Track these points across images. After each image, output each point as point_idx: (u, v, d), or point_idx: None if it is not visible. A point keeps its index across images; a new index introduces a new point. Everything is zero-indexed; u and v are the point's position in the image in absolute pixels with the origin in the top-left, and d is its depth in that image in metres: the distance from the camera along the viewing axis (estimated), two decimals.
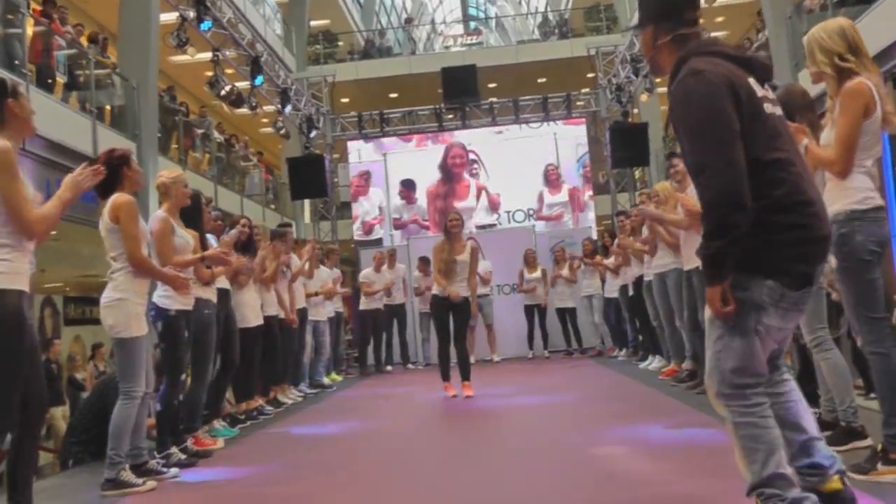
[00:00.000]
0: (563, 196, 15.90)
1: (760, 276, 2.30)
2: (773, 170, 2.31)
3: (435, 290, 7.34)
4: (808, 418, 2.46)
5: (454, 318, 7.24)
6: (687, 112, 2.33)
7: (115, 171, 4.12)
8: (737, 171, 2.23)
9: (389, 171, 16.30)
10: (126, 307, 4.07)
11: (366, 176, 16.23)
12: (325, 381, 9.24)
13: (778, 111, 2.44)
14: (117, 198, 4.10)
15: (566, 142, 16.09)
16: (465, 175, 16.24)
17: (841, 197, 3.17)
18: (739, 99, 2.30)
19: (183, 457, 4.69)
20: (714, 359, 2.38)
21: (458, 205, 15.72)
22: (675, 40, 2.47)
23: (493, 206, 15.99)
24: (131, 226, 4.04)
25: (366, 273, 10.86)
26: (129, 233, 4.04)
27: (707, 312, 2.40)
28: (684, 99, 2.34)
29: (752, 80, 2.38)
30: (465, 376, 7.20)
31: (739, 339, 2.32)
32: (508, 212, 15.92)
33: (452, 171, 16.25)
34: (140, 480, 4.08)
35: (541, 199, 15.95)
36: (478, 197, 16.12)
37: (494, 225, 15.64)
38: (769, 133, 2.34)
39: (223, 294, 5.69)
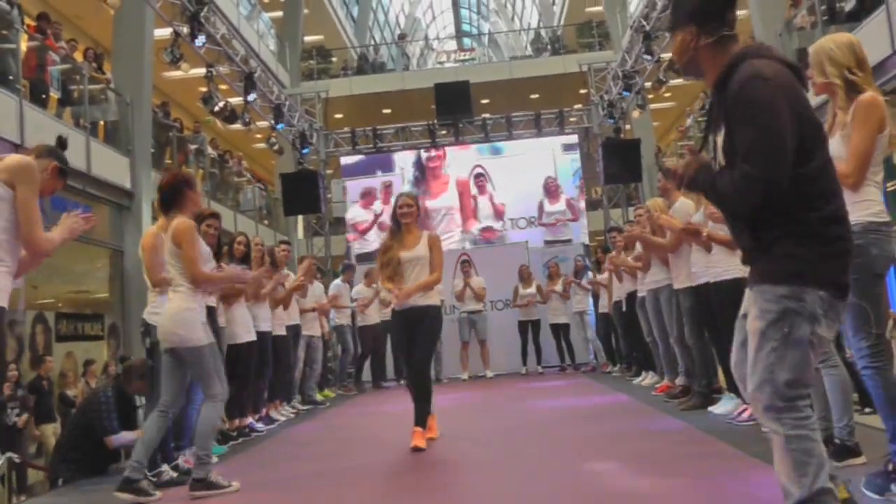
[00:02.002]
0: (561, 205, 16.23)
1: (814, 287, 2.29)
2: (826, 182, 2.34)
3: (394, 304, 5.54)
4: None
5: (415, 337, 5.34)
6: (751, 117, 2.30)
7: (178, 191, 4.37)
8: (778, 179, 2.25)
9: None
10: (195, 317, 4.26)
11: (388, 186, 16.34)
12: (318, 397, 9.19)
13: None
14: (179, 223, 4.29)
15: (564, 155, 16.35)
16: (444, 172, 16.41)
17: (856, 209, 3.09)
18: (801, 113, 2.31)
19: (174, 475, 4.65)
20: (766, 371, 2.33)
21: (432, 203, 15.92)
22: (719, 41, 2.45)
23: (499, 215, 16.21)
24: (191, 249, 4.25)
25: (358, 289, 10.82)
26: (189, 256, 4.25)
27: (755, 324, 2.37)
28: (752, 100, 2.30)
29: (807, 95, 2.41)
30: (419, 419, 5.30)
31: (796, 351, 2.30)
32: (512, 219, 16.12)
33: (428, 168, 16.50)
34: (227, 482, 4.27)
35: (541, 207, 16.22)
36: (463, 197, 16.23)
37: (499, 231, 15.81)
38: (822, 148, 2.37)
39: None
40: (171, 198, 4.37)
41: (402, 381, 11.16)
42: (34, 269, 3.59)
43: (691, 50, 2.49)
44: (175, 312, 4.25)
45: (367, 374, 11.32)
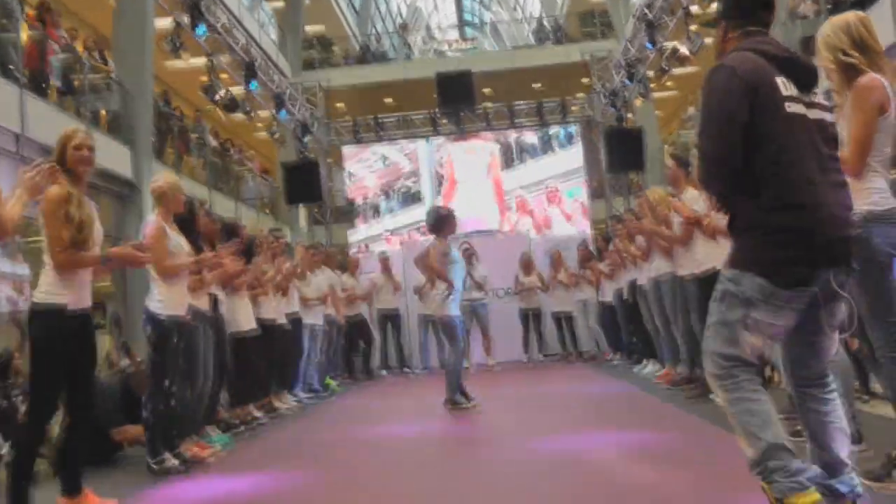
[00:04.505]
0: None
1: (752, 273, 2.41)
2: (774, 169, 2.39)
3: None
4: (840, 442, 2.47)
5: None
6: (706, 100, 2.54)
7: (444, 221, 6.74)
8: (725, 157, 2.44)
9: None
10: (448, 301, 6.68)
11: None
12: (319, 386, 9.19)
13: (812, 113, 2.47)
14: (439, 242, 6.68)
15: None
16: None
17: (858, 198, 3.01)
18: (754, 96, 2.41)
19: (176, 463, 4.66)
20: (706, 342, 2.54)
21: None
22: (744, 36, 2.58)
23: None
24: (442, 261, 6.63)
25: (345, 280, 10.84)
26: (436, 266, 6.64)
27: (710, 306, 2.54)
28: (707, 88, 2.54)
29: (780, 79, 2.44)
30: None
31: (726, 329, 2.46)
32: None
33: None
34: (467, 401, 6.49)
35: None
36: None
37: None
38: (784, 132, 2.41)
39: (213, 301, 5.64)
40: (441, 224, 6.70)
41: (406, 370, 11.32)
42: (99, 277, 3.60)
43: (721, 43, 2.68)
44: (439, 297, 6.69)
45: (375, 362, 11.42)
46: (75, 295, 3.65)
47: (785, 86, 2.43)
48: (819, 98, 2.52)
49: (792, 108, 2.42)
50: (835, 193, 2.44)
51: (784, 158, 2.39)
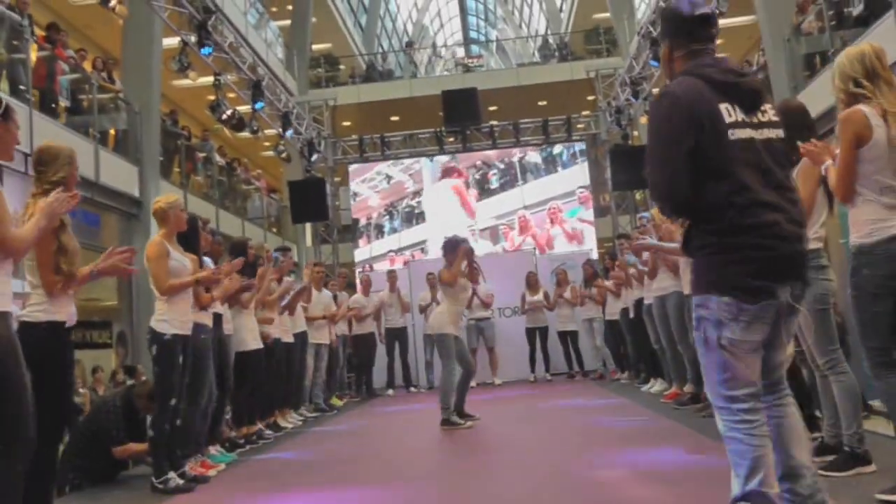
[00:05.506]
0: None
1: (717, 294, 2.44)
2: (724, 194, 2.42)
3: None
4: (800, 444, 2.50)
5: None
6: (650, 126, 2.59)
7: (447, 248, 7.01)
8: (670, 185, 2.47)
9: None
10: (445, 318, 6.79)
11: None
12: (325, 405, 9.17)
13: (761, 133, 2.49)
14: (444, 272, 6.92)
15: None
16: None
17: (852, 230, 3.22)
18: (699, 124, 2.44)
19: (181, 482, 4.64)
20: (704, 374, 2.56)
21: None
22: (689, 55, 2.61)
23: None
24: (455, 281, 6.90)
25: (355, 298, 10.88)
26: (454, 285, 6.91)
27: (694, 336, 2.56)
28: (651, 115, 2.63)
29: (724, 106, 2.47)
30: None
31: (714, 353, 2.46)
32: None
33: None
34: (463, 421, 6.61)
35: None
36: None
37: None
38: (729, 158, 2.43)
39: (215, 318, 5.63)
40: (446, 250, 6.98)
41: (413, 389, 11.30)
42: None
43: (668, 62, 2.71)
44: (438, 314, 6.92)
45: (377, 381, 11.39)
46: (67, 310, 3.65)
47: (729, 112, 2.47)
48: (769, 115, 2.54)
49: (737, 133, 2.45)
50: (785, 211, 2.46)
51: (733, 184, 2.42)
